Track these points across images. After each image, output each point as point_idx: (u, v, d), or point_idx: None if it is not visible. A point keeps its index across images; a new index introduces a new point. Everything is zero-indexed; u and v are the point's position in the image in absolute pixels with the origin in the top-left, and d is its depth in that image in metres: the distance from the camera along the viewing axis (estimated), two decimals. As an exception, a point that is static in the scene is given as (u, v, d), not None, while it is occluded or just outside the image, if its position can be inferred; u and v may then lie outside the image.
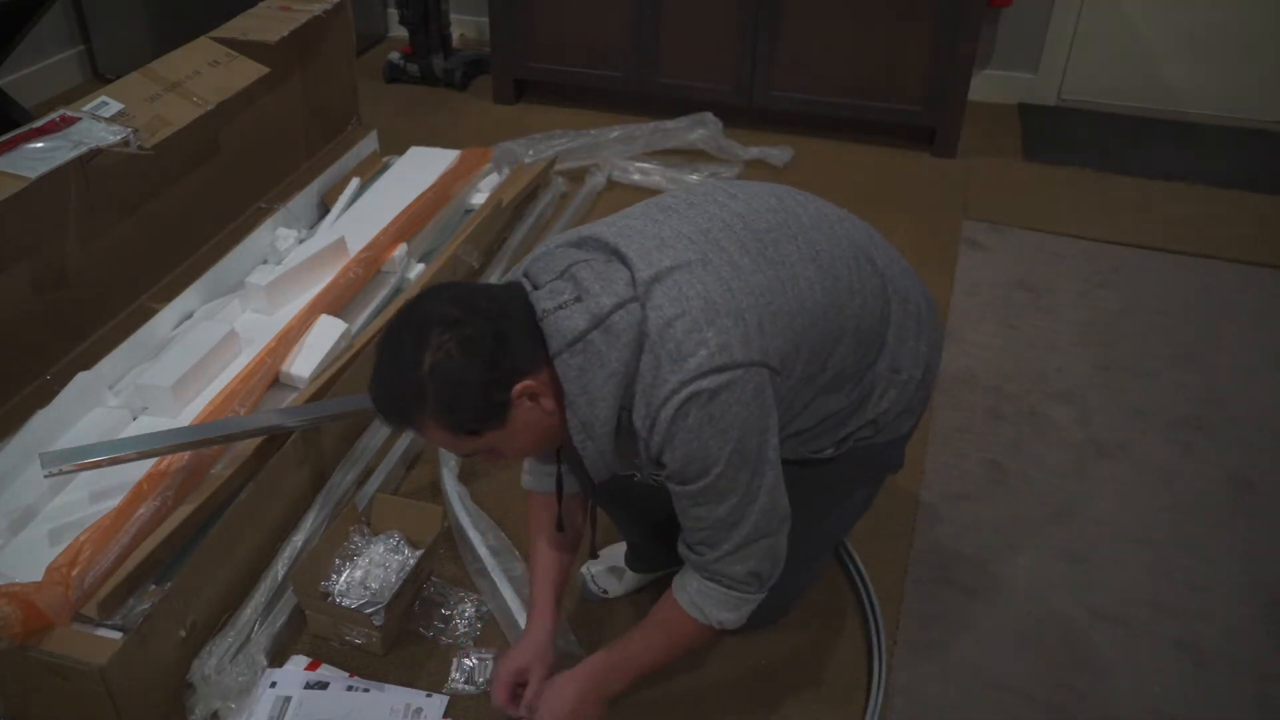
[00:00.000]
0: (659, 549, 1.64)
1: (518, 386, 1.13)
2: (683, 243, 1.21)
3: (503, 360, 1.12)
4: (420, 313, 1.14)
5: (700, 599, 1.28)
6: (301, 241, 2.31)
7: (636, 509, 1.56)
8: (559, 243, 1.25)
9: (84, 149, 1.81)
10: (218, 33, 2.29)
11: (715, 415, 1.14)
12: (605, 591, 1.70)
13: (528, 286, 1.19)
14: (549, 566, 1.46)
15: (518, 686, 1.39)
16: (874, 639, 1.61)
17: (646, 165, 2.98)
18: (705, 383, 1.13)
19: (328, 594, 1.62)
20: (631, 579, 1.70)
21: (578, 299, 1.15)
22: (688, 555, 1.28)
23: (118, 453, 1.56)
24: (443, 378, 1.11)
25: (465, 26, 3.98)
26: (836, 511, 1.53)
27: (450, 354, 1.10)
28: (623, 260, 1.19)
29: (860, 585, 1.70)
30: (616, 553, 1.72)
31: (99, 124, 1.89)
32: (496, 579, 1.65)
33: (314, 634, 1.62)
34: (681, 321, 1.14)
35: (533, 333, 1.15)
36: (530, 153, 2.95)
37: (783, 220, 1.28)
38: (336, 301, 2.05)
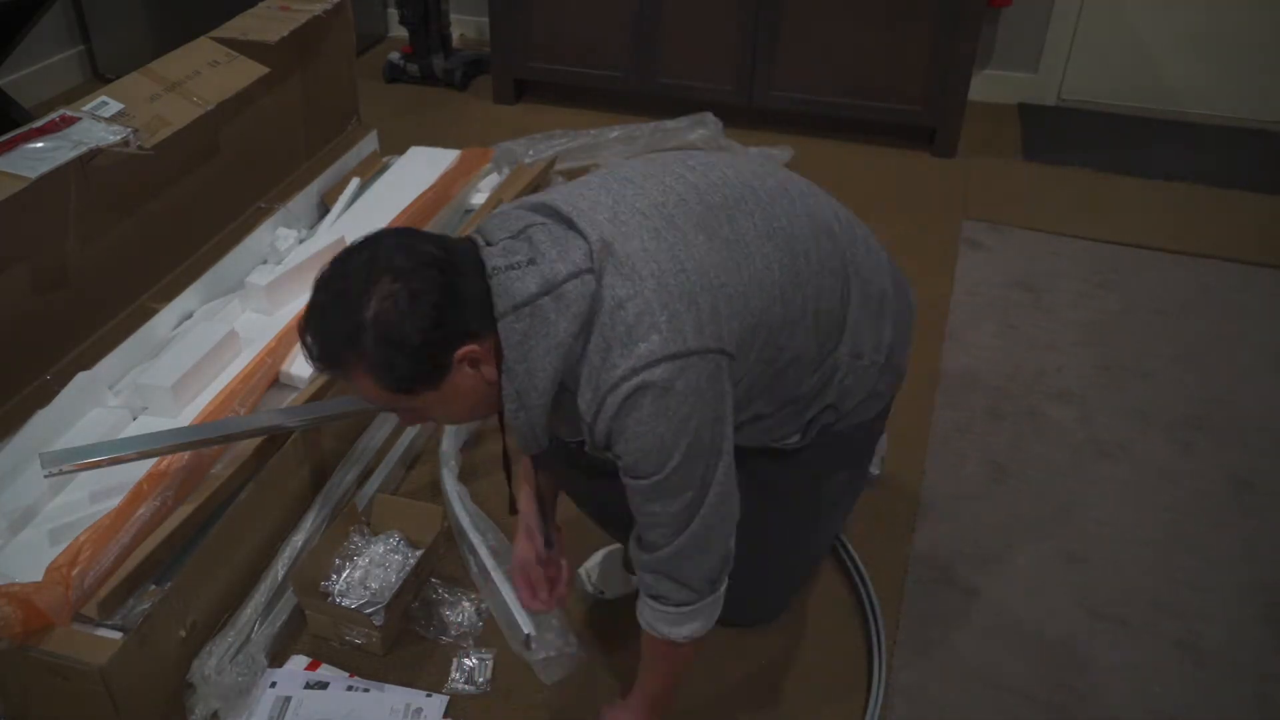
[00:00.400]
0: None
1: (461, 350, 1.09)
2: (637, 219, 1.16)
3: (449, 320, 1.07)
4: (369, 257, 1.08)
5: (656, 622, 1.25)
6: (301, 241, 2.31)
7: (616, 514, 1.43)
8: (514, 205, 1.20)
9: (84, 149, 1.81)
10: (218, 33, 2.29)
11: (670, 408, 1.09)
12: (602, 592, 1.70)
13: (480, 243, 1.14)
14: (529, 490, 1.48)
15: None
16: (874, 639, 1.61)
17: (646, 165, 2.98)
18: (658, 372, 1.08)
19: (328, 594, 1.62)
20: (628, 579, 1.69)
21: (531, 261, 1.10)
22: (638, 556, 1.22)
23: (118, 453, 1.56)
24: (384, 329, 1.05)
25: (465, 26, 3.98)
26: (822, 503, 1.50)
27: (397, 304, 1.05)
28: (578, 232, 1.13)
29: (860, 585, 1.70)
30: (614, 555, 1.72)
31: (99, 124, 1.89)
32: (496, 579, 1.65)
33: (314, 634, 1.62)
34: (634, 303, 1.09)
35: (483, 293, 1.10)
36: (530, 153, 2.95)
37: (739, 195, 1.23)
38: (336, 301, 2.05)
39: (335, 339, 1.09)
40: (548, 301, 1.09)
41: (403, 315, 1.05)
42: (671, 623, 1.23)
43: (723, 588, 1.24)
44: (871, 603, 1.66)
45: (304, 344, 1.11)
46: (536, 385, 1.11)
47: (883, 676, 1.55)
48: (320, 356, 1.11)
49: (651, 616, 1.24)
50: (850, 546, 1.76)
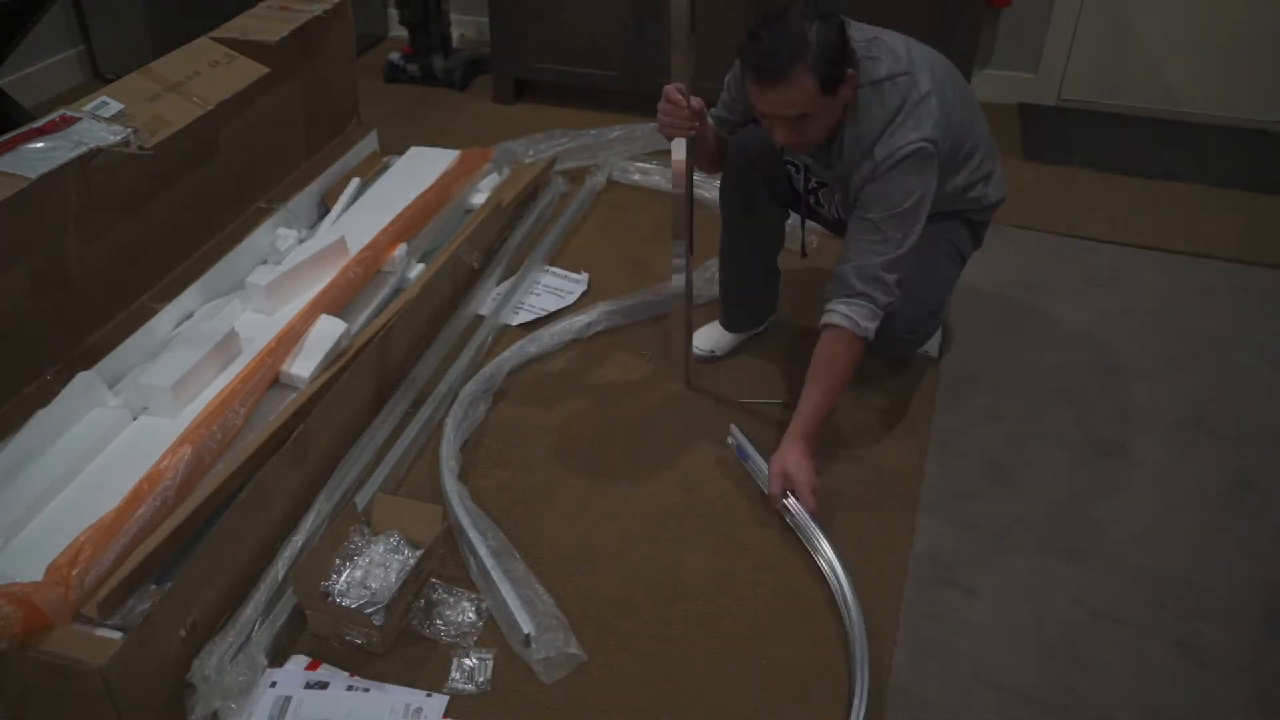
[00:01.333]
0: (755, 303, 2.26)
1: (849, 71, 1.69)
2: (924, 54, 1.84)
3: (849, 53, 1.69)
4: (805, 4, 1.67)
5: (857, 317, 1.77)
6: (301, 241, 2.31)
7: (760, 251, 2.16)
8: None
9: (84, 149, 1.81)
10: (218, 33, 2.29)
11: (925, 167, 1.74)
12: (713, 352, 2.24)
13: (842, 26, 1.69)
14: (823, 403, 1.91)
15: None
16: (853, 637, 1.59)
17: (646, 165, 2.98)
18: (929, 146, 1.72)
19: (328, 594, 1.62)
20: (728, 340, 2.25)
21: (878, 59, 1.74)
22: (854, 271, 1.77)
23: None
24: (823, 44, 1.64)
25: (465, 26, 3.98)
26: (958, 253, 2.07)
27: (826, 34, 1.64)
28: (892, 48, 1.78)
29: (839, 589, 1.68)
30: (710, 331, 2.25)
31: (99, 124, 1.89)
32: (496, 579, 1.65)
33: (314, 634, 1.62)
34: (929, 99, 1.73)
35: (849, 55, 1.70)
36: (530, 153, 2.95)
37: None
38: (336, 301, 2.06)
39: (791, 50, 1.64)
40: (887, 84, 1.73)
41: (833, 41, 1.65)
42: (868, 318, 1.77)
43: (894, 298, 1.80)
44: (851, 605, 1.64)
45: (754, 59, 1.69)
46: (867, 133, 1.75)
47: (865, 678, 1.54)
48: (775, 64, 1.65)
49: (853, 313, 1.77)
50: (832, 550, 1.75)
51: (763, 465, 1.88)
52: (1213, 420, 2.12)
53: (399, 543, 1.69)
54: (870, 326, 1.78)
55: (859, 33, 1.76)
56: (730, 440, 1.99)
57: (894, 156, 1.72)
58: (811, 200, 2.04)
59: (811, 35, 1.64)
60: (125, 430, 1.76)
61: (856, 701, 1.51)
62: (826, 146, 1.83)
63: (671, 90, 1.85)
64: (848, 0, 2.98)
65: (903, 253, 1.76)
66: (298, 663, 1.56)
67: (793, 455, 1.80)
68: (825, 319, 1.81)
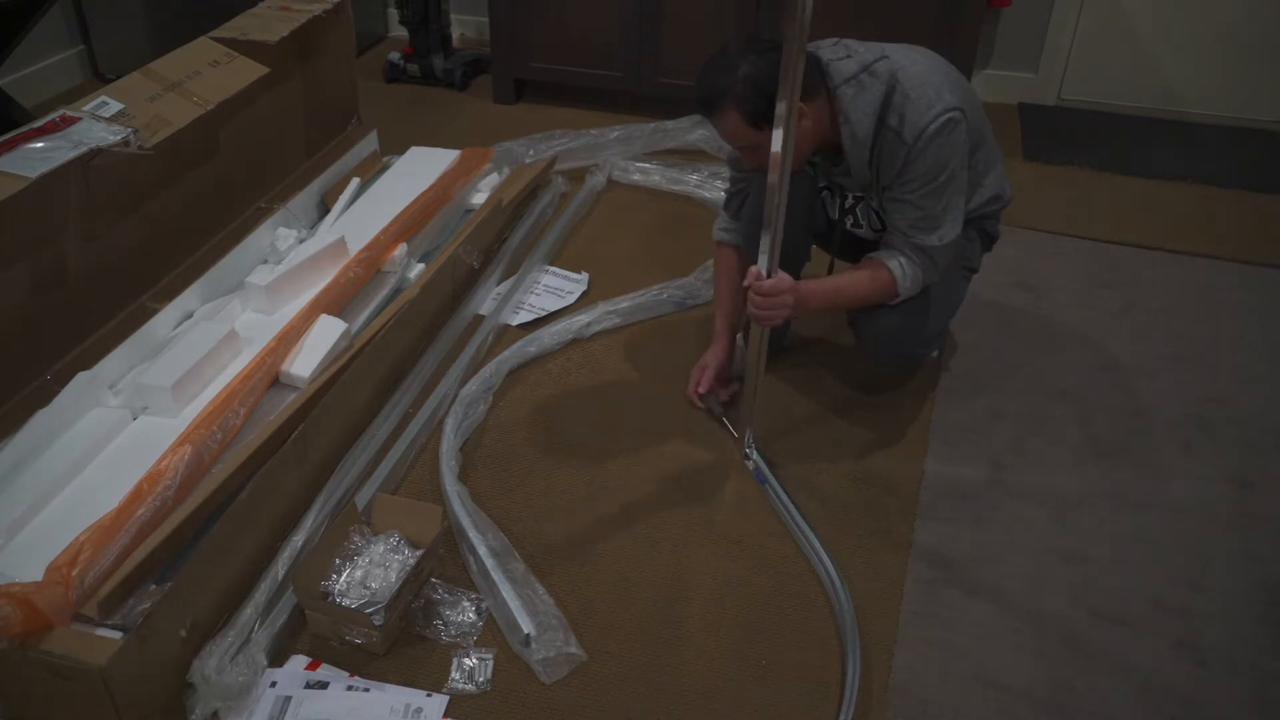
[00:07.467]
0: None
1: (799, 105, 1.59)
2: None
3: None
4: (746, 41, 1.70)
5: (907, 266, 1.79)
6: (301, 241, 2.31)
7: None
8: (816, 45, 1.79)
9: (84, 149, 1.81)
10: (218, 33, 2.29)
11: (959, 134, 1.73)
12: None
13: (811, 49, 1.73)
14: (729, 307, 2.09)
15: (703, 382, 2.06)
16: (846, 637, 1.60)
17: (646, 165, 2.98)
18: (956, 114, 1.71)
19: (328, 594, 1.62)
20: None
21: (849, 56, 1.75)
22: (912, 242, 1.79)
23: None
24: (750, 81, 1.66)
25: (465, 26, 3.98)
26: (969, 267, 2.06)
27: (759, 69, 1.65)
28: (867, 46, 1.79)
29: (832, 590, 1.69)
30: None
31: (99, 124, 1.89)
32: (496, 579, 1.65)
33: (314, 634, 1.62)
34: (918, 68, 1.74)
35: (816, 74, 1.72)
36: (530, 153, 2.95)
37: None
38: (336, 301, 2.06)
39: (717, 85, 1.68)
40: (865, 76, 1.73)
41: (763, 75, 1.62)
42: (914, 281, 1.81)
43: (935, 278, 1.85)
44: (843, 603, 1.65)
45: (694, 93, 1.74)
46: (864, 127, 1.73)
47: (855, 679, 1.54)
48: (704, 98, 1.71)
49: (908, 267, 1.79)
50: (825, 549, 1.76)
51: (781, 490, 1.88)
52: (1213, 420, 2.12)
53: (399, 543, 1.69)
54: (909, 289, 1.81)
55: (834, 51, 1.76)
56: (750, 464, 1.97)
57: (926, 133, 1.69)
58: (849, 221, 1.99)
59: (741, 72, 1.65)
60: (125, 430, 1.76)
61: (848, 694, 1.52)
62: (836, 158, 1.82)
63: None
64: (849, 1, 3.01)
65: (949, 225, 1.77)
66: (298, 663, 1.56)
67: (780, 284, 1.74)
68: (878, 256, 1.82)
